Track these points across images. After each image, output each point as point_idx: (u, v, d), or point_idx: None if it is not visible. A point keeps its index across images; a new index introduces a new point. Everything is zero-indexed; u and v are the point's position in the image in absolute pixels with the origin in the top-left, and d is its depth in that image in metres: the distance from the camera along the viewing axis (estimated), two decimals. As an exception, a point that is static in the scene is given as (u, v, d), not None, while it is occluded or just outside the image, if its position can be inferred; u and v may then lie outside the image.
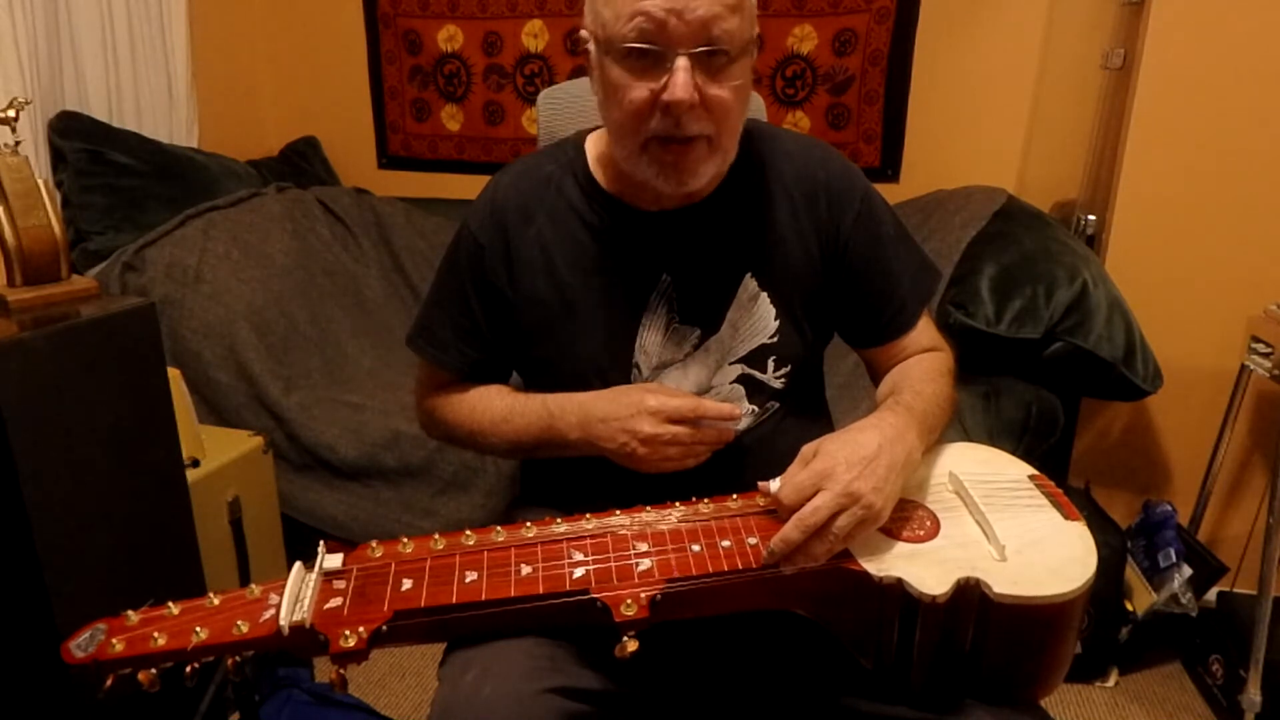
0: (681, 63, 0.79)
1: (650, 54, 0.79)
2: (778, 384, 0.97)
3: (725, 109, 0.83)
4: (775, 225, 0.96)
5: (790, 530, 0.74)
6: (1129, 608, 1.79)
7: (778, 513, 0.77)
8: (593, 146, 1.00)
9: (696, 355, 0.96)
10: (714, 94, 0.81)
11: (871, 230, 0.98)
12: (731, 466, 0.94)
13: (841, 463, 0.76)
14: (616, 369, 0.95)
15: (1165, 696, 1.78)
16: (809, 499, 0.75)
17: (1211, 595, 1.81)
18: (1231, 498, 1.96)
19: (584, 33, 0.89)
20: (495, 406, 1.00)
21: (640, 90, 0.81)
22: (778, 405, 0.98)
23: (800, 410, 1.01)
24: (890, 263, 0.99)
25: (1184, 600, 1.74)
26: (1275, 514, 1.59)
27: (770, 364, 0.96)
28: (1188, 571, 1.76)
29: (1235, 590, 1.81)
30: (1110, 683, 1.80)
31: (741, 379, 0.96)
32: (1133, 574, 1.82)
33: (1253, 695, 1.59)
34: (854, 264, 0.97)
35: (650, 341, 0.95)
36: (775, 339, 0.96)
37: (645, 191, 0.94)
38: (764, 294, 0.96)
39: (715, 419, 0.90)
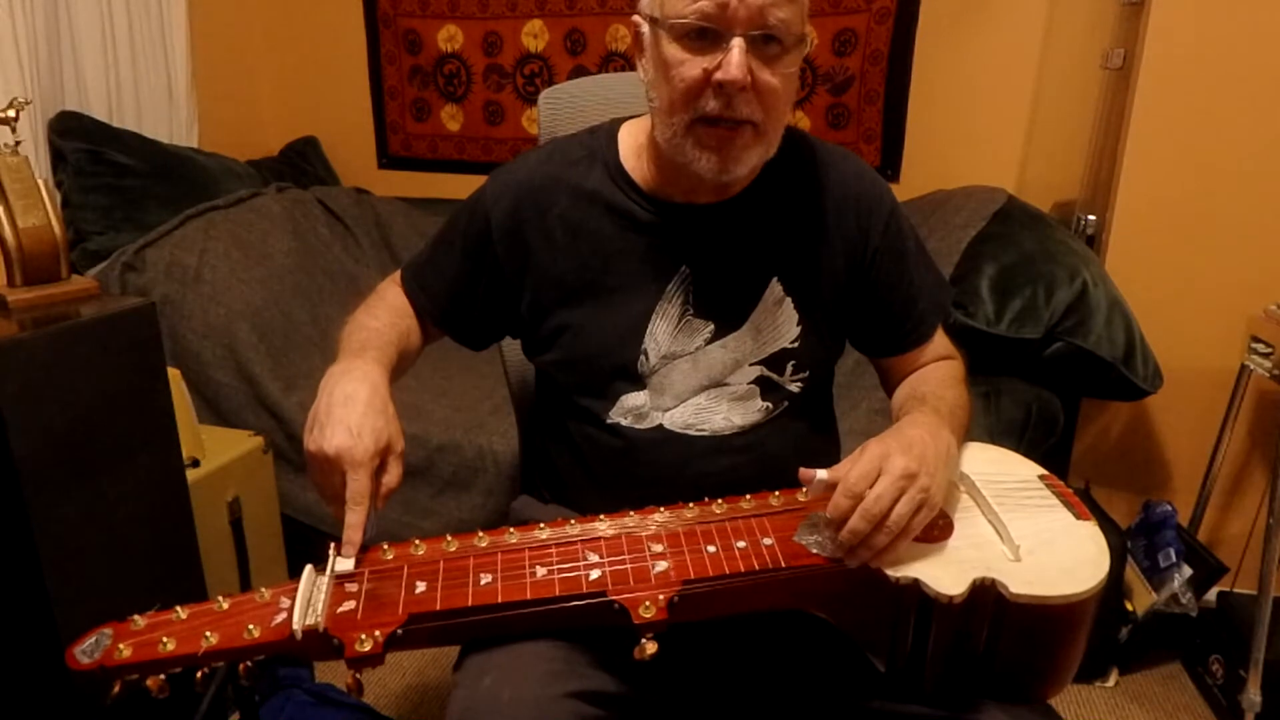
0: (737, 43, 0.80)
1: (709, 33, 0.82)
2: (794, 388, 0.98)
3: (774, 96, 0.84)
4: (805, 231, 0.97)
5: (857, 521, 0.75)
6: (1129, 608, 1.79)
7: (833, 497, 0.77)
8: (627, 135, 1.00)
9: (710, 350, 0.96)
10: (765, 80, 0.83)
11: (897, 244, 1.00)
12: (736, 460, 0.96)
13: (895, 449, 0.78)
14: (624, 353, 0.96)
15: (1165, 696, 1.78)
16: (873, 485, 0.76)
17: (1211, 595, 1.81)
18: (1231, 498, 1.97)
19: (636, 18, 0.91)
20: (361, 322, 0.98)
21: (694, 68, 0.83)
22: (786, 404, 0.99)
23: (807, 412, 1.02)
24: (912, 277, 1.01)
25: (1184, 600, 1.75)
26: (1275, 514, 1.59)
27: (789, 368, 0.97)
28: (1188, 571, 1.77)
29: (1235, 590, 1.82)
30: (1110, 683, 1.80)
31: (759, 380, 0.97)
32: (1133, 574, 1.82)
33: (1253, 695, 1.59)
34: (879, 276, 0.99)
35: (661, 330, 0.95)
36: (797, 344, 0.97)
37: (679, 183, 0.94)
38: (789, 299, 0.96)
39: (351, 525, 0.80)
